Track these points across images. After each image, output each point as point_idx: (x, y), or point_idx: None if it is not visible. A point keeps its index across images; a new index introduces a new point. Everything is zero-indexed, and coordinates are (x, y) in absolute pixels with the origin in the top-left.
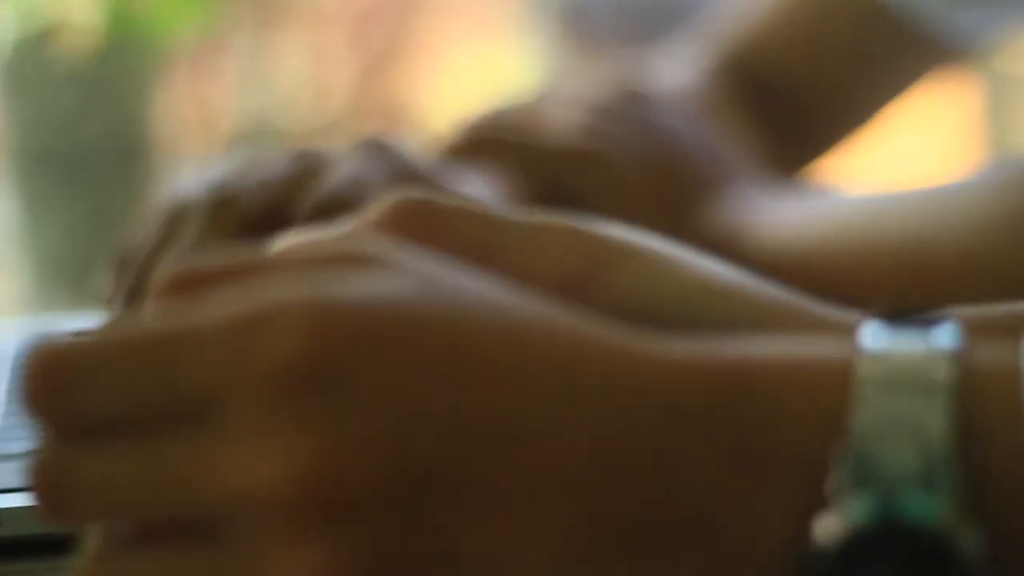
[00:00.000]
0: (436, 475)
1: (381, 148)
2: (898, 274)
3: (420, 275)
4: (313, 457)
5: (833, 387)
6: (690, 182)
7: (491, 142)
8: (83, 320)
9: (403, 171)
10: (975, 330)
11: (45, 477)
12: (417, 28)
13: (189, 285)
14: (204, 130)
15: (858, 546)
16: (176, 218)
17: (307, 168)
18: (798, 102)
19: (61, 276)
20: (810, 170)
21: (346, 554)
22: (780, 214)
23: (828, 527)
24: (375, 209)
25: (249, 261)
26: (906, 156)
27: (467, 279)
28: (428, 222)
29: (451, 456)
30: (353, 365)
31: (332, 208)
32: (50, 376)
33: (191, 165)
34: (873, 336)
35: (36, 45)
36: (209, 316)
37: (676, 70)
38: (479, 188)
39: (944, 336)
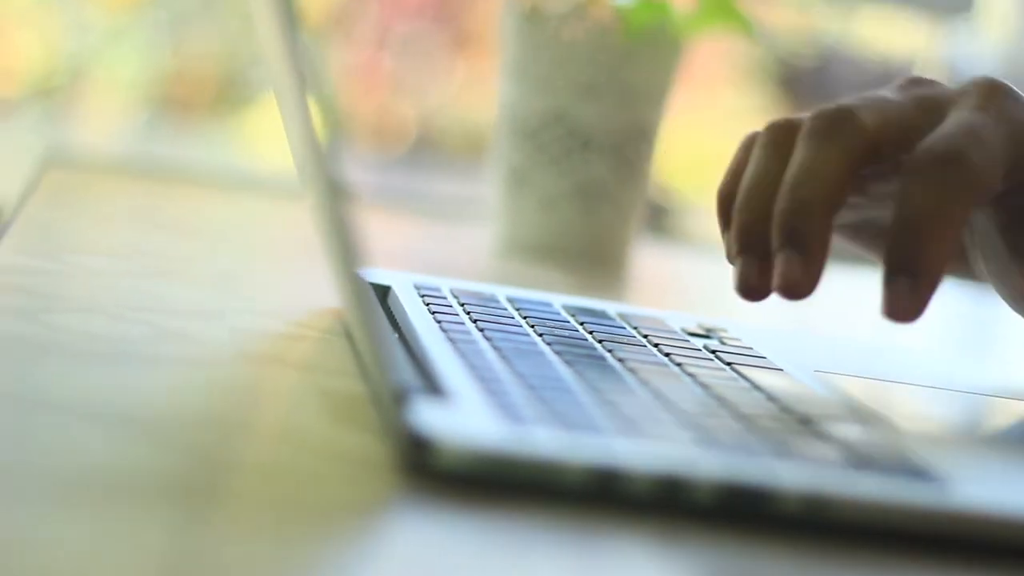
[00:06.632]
0: None
1: (1003, 94)
2: None
3: None
4: None
5: None
6: None
7: None
8: (545, 296)
9: (1018, 126)
10: None
11: None
12: None
13: None
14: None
15: None
16: (785, 132)
17: (926, 108)
18: None
19: (532, 252)
20: None
21: None
22: None
23: None
24: None
25: None
26: None
27: None
28: None
29: None
30: None
31: (940, 156)
32: None
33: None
34: None
35: (553, 17)
36: None
37: None
38: None
39: None
